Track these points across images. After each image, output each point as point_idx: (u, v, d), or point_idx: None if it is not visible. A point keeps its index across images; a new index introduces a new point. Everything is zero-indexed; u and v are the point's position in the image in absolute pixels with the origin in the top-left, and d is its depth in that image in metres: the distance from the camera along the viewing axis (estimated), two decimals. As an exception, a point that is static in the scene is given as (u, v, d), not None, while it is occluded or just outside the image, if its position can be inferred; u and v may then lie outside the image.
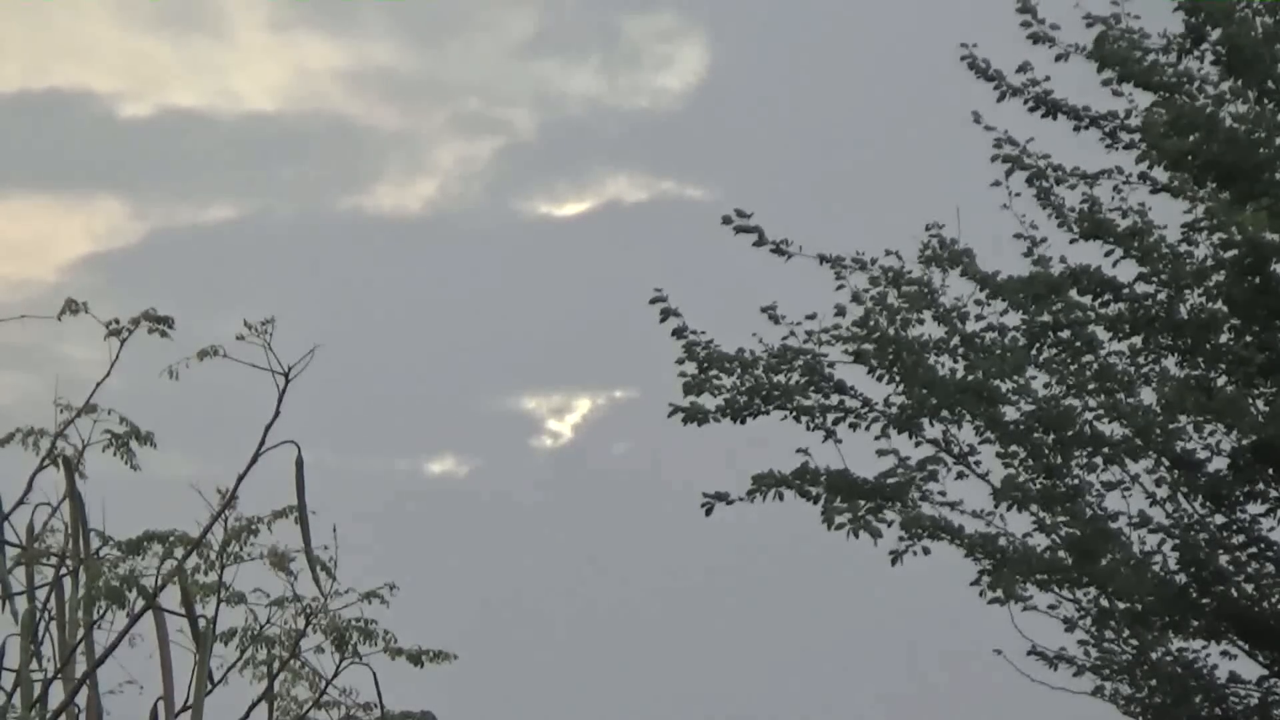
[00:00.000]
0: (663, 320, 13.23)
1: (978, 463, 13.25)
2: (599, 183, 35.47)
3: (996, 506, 13.14)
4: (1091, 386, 13.21)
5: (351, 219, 34.03)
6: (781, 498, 12.84)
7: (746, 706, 24.26)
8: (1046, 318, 13.06)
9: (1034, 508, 13.08)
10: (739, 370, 13.07)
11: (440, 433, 31.49)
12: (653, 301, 13.27)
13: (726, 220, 13.27)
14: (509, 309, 32.00)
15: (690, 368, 13.13)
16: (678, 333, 13.19)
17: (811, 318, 13.22)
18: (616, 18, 35.84)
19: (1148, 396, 13.26)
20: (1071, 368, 13.23)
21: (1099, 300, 12.94)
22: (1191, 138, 12.04)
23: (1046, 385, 13.24)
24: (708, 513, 12.94)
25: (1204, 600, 13.03)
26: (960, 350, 13.21)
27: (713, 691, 24.91)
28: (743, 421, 13.10)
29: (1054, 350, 13.22)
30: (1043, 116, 13.31)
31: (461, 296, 31.90)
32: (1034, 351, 13.12)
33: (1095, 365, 13.19)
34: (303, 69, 36.39)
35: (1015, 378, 13.03)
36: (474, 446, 31.92)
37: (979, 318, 13.35)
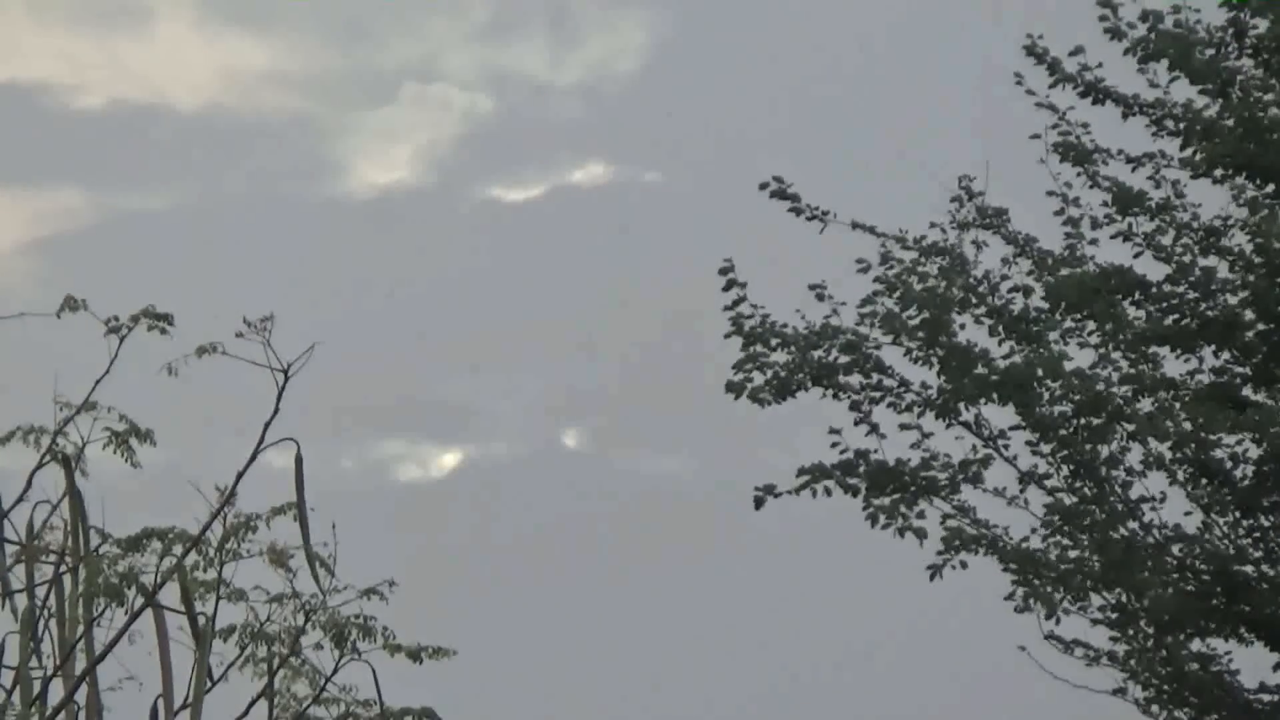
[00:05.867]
0: (726, 290, 13.66)
1: (1006, 446, 13.70)
2: (559, 166, 35.76)
3: (1022, 489, 13.59)
4: (1124, 365, 13.64)
5: (310, 207, 34.35)
6: (829, 493, 13.28)
7: (752, 708, 24.61)
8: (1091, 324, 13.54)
9: (1067, 527, 13.49)
10: (781, 346, 13.49)
11: (430, 428, 31.92)
12: (721, 272, 13.70)
13: (764, 186, 13.79)
14: (470, 295, 32.24)
15: (738, 341, 13.59)
16: (734, 305, 13.61)
17: (865, 304, 13.64)
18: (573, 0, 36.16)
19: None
20: (1108, 352, 13.67)
21: (1130, 300, 13.40)
22: (1250, 145, 12.55)
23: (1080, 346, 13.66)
24: (758, 506, 13.38)
25: (1234, 608, 13.42)
26: (993, 324, 13.63)
27: (718, 692, 25.26)
28: (783, 400, 13.51)
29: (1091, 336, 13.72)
30: (1093, 103, 13.78)
31: (420, 283, 32.16)
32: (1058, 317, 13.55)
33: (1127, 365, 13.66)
34: (259, 58, 36.75)
35: (1053, 378, 13.43)
36: (470, 441, 32.39)
37: (1004, 277, 13.78)
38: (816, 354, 13.49)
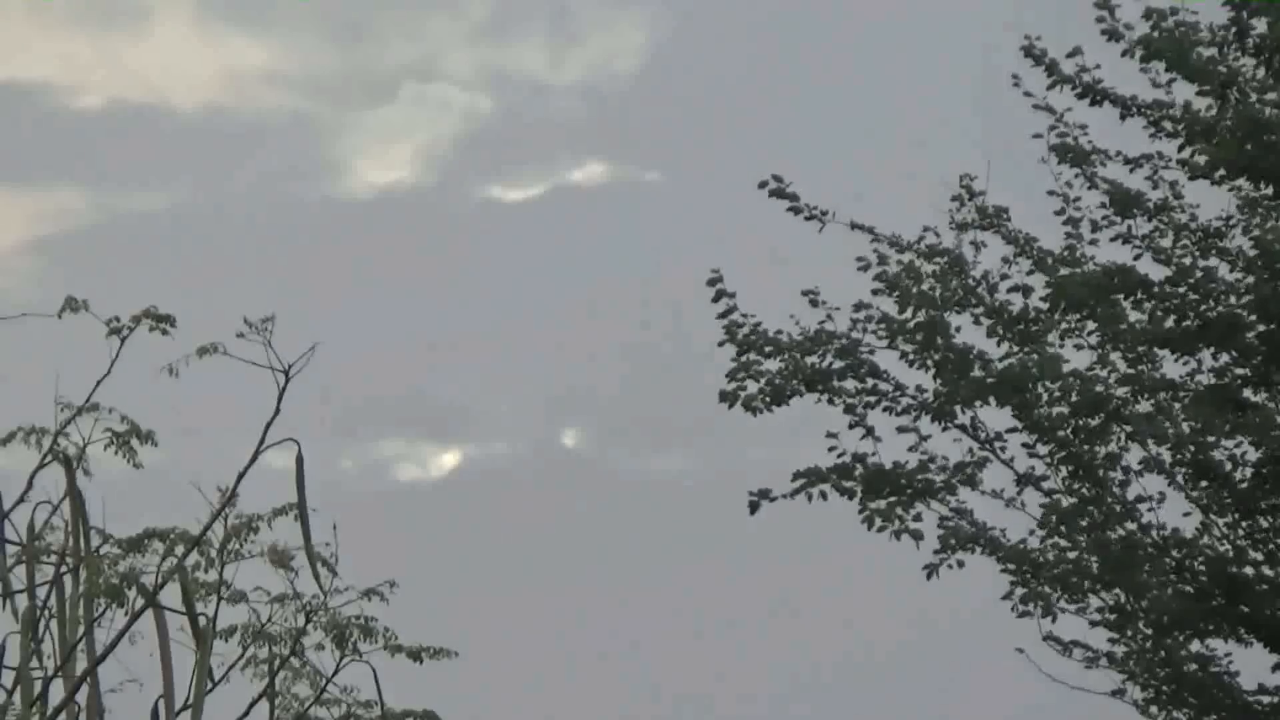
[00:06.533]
0: (715, 300, 13.71)
1: (1003, 448, 13.76)
2: (558, 166, 35.85)
3: (1019, 491, 13.64)
4: (1122, 366, 13.71)
5: (310, 207, 34.42)
6: (825, 497, 13.33)
7: (751, 707, 24.65)
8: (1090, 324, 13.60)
9: (1065, 528, 13.54)
10: (774, 353, 13.54)
11: (430, 428, 31.99)
12: (710, 283, 13.75)
13: (762, 184, 13.85)
14: (469, 295, 32.32)
15: (730, 350, 13.65)
16: (725, 314, 13.66)
17: (860, 308, 13.70)
18: (574, -1, 36.28)
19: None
20: (1106, 353, 13.74)
21: (1131, 300, 13.47)
22: (1249, 146, 12.62)
23: (1077, 348, 13.74)
24: (753, 511, 13.43)
25: (1234, 609, 13.47)
26: (991, 324, 13.69)
27: (717, 691, 25.31)
28: (777, 407, 13.56)
29: (1090, 336, 13.79)
30: (1091, 104, 13.85)
31: (420, 283, 32.24)
32: (1057, 317, 13.62)
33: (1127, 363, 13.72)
34: (258, 58, 36.82)
35: (1051, 379, 13.48)
36: (469, 441, 32.46)
37: (1004, 276, 13.84)
38: (810, 360, 13.53)
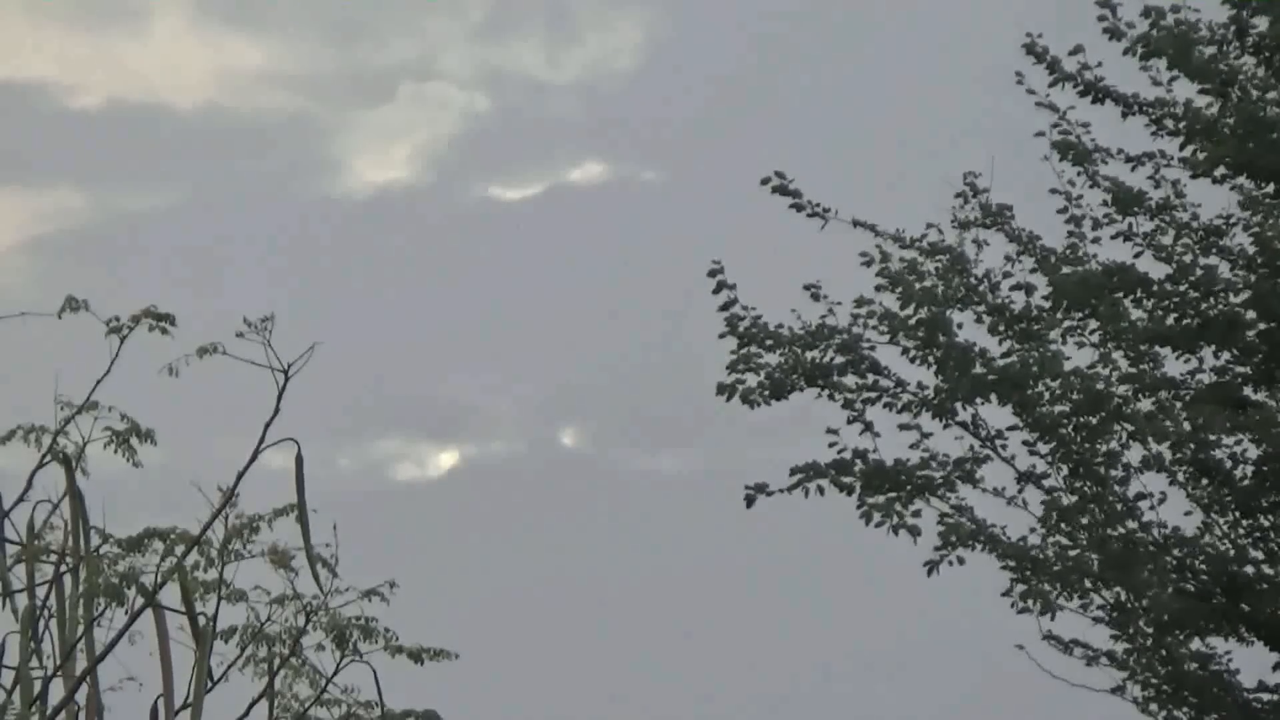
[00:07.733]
0: (715, 292, 13.71)
1: (1004, 446, 13.75)
2: (556, 165, 35.93)
3: (1020, 489, 13.64)
4: (1123, 364, 13.73)
5: (309, 207, 34.47)
6: (823, 492, 13.33)
7: (751, 707, 24.67)
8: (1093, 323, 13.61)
9: (1065, 526, 13.55)
10: (775, 346, 13.55)
11: (428, 427, 32.01)
12: (711, 274, 13.75)
13: (765, 181, 13.84)
14: (467, 294, 32.34)
15: (731, 343, 13.66)
16: (726, 306, 13.67)
17: (861, 304, 13.71)
18: (573, -1, 36.38)
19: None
20: (1108, 351, 13.76)
21: (1131, 298, 13.47)
22: (1251, 145, 12.63)
23: (1079, 346, 13.75)
24: (749, 505, 13.44)
25: (1234, 608, 13.47)
26: (991, 321, 13.70)
27: (717, 691, 25.31)
28: (777, 400, 13.56)
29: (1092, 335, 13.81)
30: (1093, 102, 13.86)
31: (418, 282, 32.25)
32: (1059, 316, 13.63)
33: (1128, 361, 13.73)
34: (256, 57, 36.89)
35: (1051, 377, 13.50)
36: (468, 440, 32.48)
37: (1007, 274, 13.85)
38: (811, 354, 13.53)
